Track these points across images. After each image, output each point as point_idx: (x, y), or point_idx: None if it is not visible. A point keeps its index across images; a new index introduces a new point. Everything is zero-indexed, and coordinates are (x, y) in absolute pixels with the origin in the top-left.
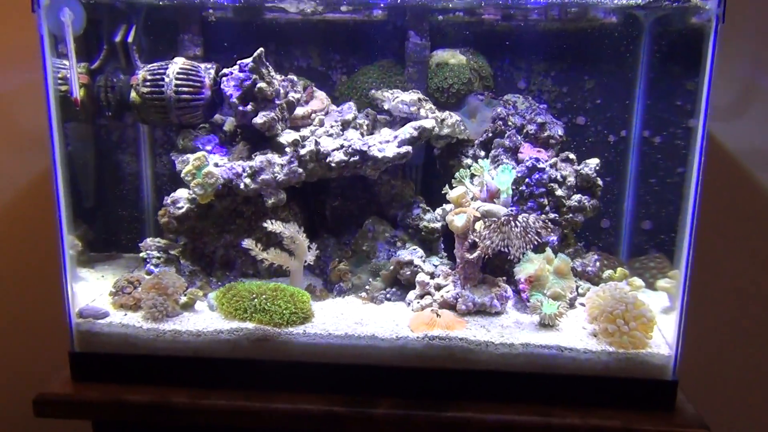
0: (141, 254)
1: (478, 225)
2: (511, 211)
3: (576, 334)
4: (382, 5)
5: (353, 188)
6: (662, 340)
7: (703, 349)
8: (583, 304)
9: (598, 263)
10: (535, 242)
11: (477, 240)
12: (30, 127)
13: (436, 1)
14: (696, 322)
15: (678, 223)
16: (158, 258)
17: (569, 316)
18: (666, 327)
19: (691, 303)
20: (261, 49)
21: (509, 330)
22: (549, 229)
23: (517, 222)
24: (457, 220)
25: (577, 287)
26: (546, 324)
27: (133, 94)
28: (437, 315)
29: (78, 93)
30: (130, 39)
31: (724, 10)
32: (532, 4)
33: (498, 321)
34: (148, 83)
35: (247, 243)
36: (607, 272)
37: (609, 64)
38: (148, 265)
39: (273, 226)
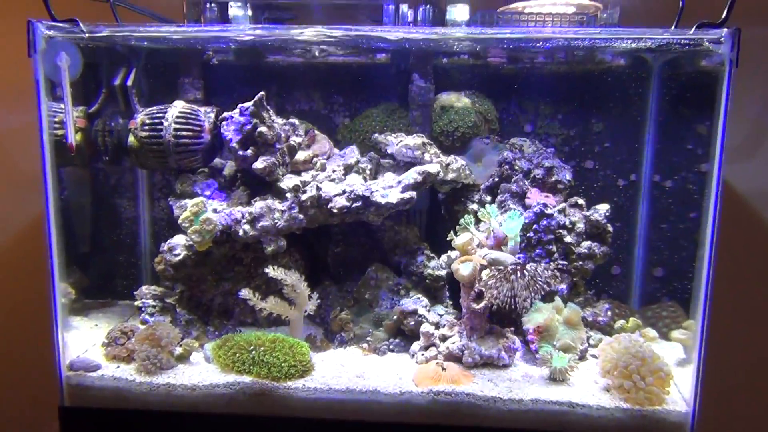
0: (136, 303)
1: (485, 273)
2: (519, 259)
3: (588, 388)
4: (385, 48)
5: (356, 234)
6: (679, 395)
7: (721, 405)
8: (594, 356)
9: (609, 313)
10: (544, 292)
11: (484, 290)
12: (27, 168)
13: (441, 44)
14: (713, 377)
15: (693, 271)
16: (153, 307)
17: (580, 368)
18: (682, 381)
19: (708, 355)
20: (262, 92)
21: (518, 384)
22: (558, 279)
23: (525, 271)
24: (463, 269)
25: (588, 338)
26: (556, 378)
27: (131, 138)
28: (442, 368)
29: (74, 139)
30: (129, 82)
31: (738, 55)
32: (539, 48)
33: (506, 374)
34: (146, 127)
35: (245, 293)
36: (619, 322)
37: (617, 107)
38: (143, 314)
39: (274, 272)
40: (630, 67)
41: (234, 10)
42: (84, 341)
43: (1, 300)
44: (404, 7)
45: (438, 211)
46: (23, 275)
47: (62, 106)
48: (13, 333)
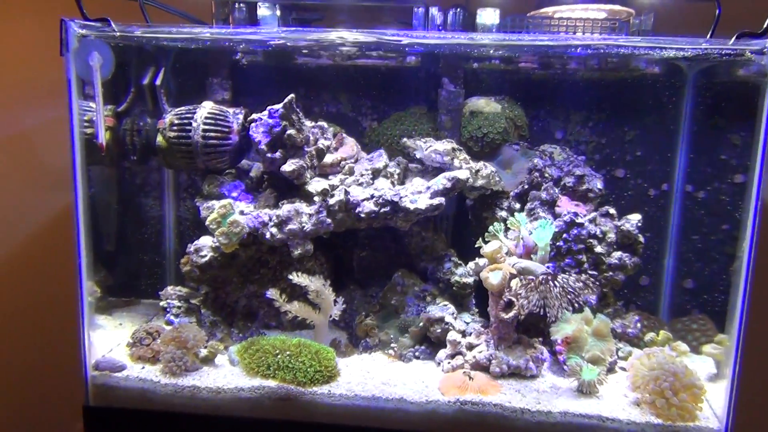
0: (161, 303)
1: (514, 283)
2: (549, 268)
3: (618, 402)
4: (415, 51)
5: (382, 239)
6: (710, 411)
7: (754, 422)
8: (623, 368)
9: (639, 324)
10: (576, 304)
11: (513, 299)
12: (52, 164)
13: (471, 49)
14: (746, 393)
15: (724, 283)
16: (179, 307)
17: (609, 381)
18: (714, 397)
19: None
20: (292, 95)
21: (546, 396)
22: (589, 290)
23: (556, 282)
24: (492, 278)
25: (617, 350)
26: (585, 391)
27: (159, 138)
28: (469, 378)
29: (104, 138)
30: (158, 82)
31: None
32: (575, 54)
33: (533, 385)
34: (175, 128)
35: (272, 293)
36: (650, 335)
37: (650, 115)
38: (168, 314)
39: (299, 278)
40: (664, 75)
41: (262, 11)
42: (109, 340)
43: (27, 297)
44: (434, 10)
45: (465, 217)
46: (49, 273)
47: (91, 104)
48: (39, 331)
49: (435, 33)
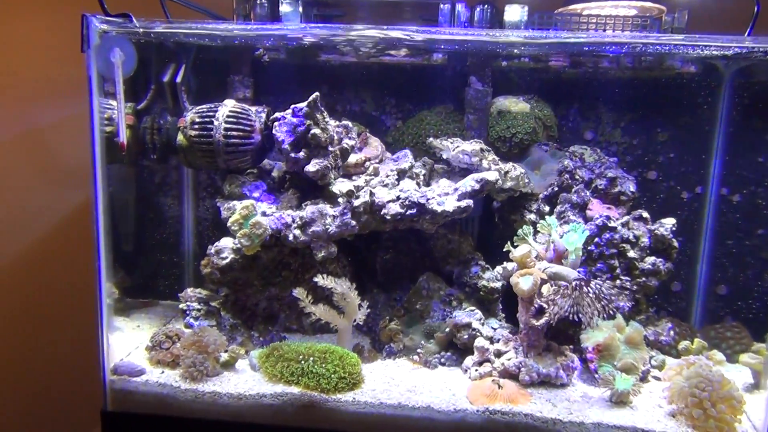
0: (180, 305)
1: (545, 288)
2: (580, 273)
3: (653, 413)
4: (442, 49)
5: (406, 241)
6: (749, 424)
7: None
8: (657, 378)
9: (672, 332)
10: (610, 312)
11: (544, 305)
12: (69, 160)
13: (499, 47)
14: None
15: (760, 290)
16: (198, 310)
17: (643, 391)
18: (752, 408)
19: None
20: (316, 93)
21: (577, 405)
22: (623, 296)
23: (589, 288)
24: (523, 283)
25: (650, 358)
26: (618, 401)
27: (180, 136)
28: (499, 386)
29: (125, 137)
30: (178, 79)
31: None
32: (606, 53)
33: (564, 394)
34: (196, 126)
35: (298, 292)
36: (684, 343)
37: (684, 115)
38: (187, 317)
39: (324, 281)
40: (700, 74)
41: (284, 7)
42: (127, 343)
43: (45, 298)
44: (460, 7)
45: (492, 219)
46: (67, 274)
47: (112, 102)
48: (57, 334)
49: (460, 30)
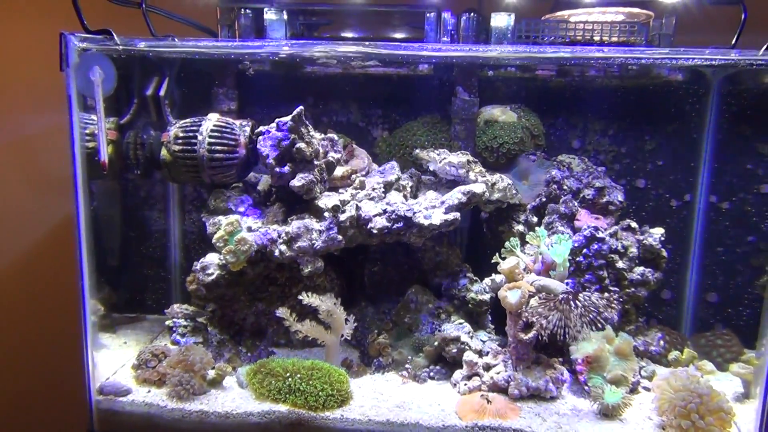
0: (167, 322)
1: (533, 302)
2: (568, 285)
3: (642, 426)
4: (427, 59)
5: (394, 253)
6: None
7: None
8: (647, 388)
9: (662, 342)
10: (599, 324)
11: (533, 319)
12: (54, 171)
13: (487, 57)
14: None
15: (749, 297)
16: (185, 327)
17: (633, 403)
18: (742, 420)
19: None
20: (301, 107)
21: (567, 419)
22: (613, 308)
23: (577, 301)
24: (511, 297)
25: (640, 369)
26: (608, 414)
27: (163, 151)
28: (488, 401)
29: (106, 156)
30: (162, 93)
31: None
32: (593, 62)
33: (553, 407)
34: (180, 141)
35: (282, 312)
36: (674, 353)
37: (672, 123)
38: (174, 334)
39: (309, 299)
40: (687, 81)
41: (269, 15)
42: (113, 361)
43: (28, 315)
44: (446, 15)
45: (480, 230)
46: (50, 289)
47: (93, 117)
48: (40, 352)
49: (446, 45)
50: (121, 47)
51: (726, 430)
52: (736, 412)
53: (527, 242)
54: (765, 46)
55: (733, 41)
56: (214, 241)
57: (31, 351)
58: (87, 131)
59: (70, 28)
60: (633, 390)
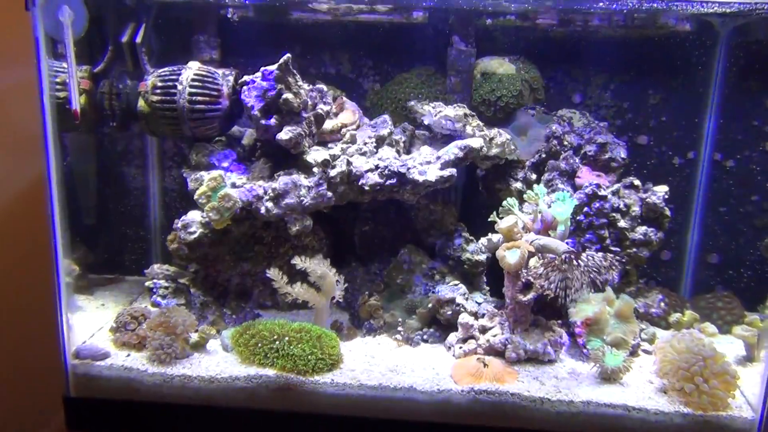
0: (147, 283)
1: (533, 262)
2: (568, 244)
3: (644, 389)
4: (424, 6)
5: (386, 212)
6: (742, 399)
7: None
8: (647, 351)
9: (663, 304)
10: (600, 285)
11: (531, 280)
12: (25, 127)
13: (486, 4)
14: None
15: (752, 258)
16: (166, 288)
17: (633, 366)
18: (746, 383)
19: None
20: (288, 55)
21: (566, 383)
22: (616, 269)
23: (579, 260)
24: (510, 257)
25: (641, 331)
26: (608, 377)
27: (141, 102)
28: (484, 364)
29: (78, 104)
30: (138, 40)
31: None
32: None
33: (552, 371)
34: (158, 91)
35: (272, 273)
36: (675, 316)
37: (677, 77)
38: (154, 296)
39: (303, 263)
40: (694, 32)
41: None
42: (90, 323)
43: None
44: None
45: (476, 188)
46: (22, 250)
47: (64, 65)
48: (13, 315)
49: None
50: None
51: (731, 393)
52: (740, 376)
53: (526, 200)
54: None
55: None
56: (196, 197)
57: (2, 314)
58: (57, 80)
59: None
60: (633, 353)
